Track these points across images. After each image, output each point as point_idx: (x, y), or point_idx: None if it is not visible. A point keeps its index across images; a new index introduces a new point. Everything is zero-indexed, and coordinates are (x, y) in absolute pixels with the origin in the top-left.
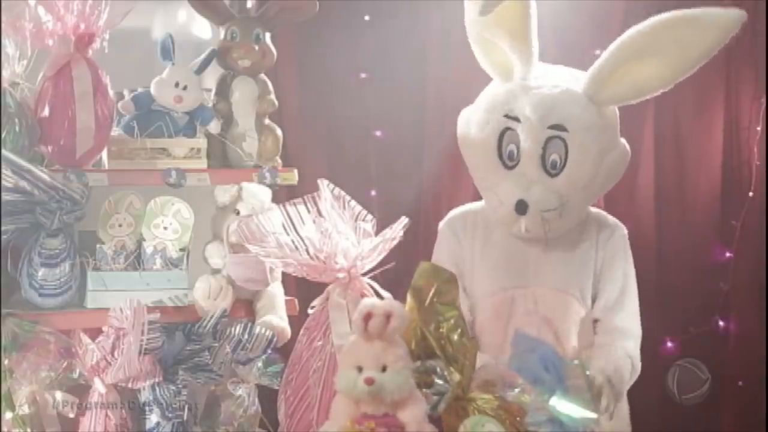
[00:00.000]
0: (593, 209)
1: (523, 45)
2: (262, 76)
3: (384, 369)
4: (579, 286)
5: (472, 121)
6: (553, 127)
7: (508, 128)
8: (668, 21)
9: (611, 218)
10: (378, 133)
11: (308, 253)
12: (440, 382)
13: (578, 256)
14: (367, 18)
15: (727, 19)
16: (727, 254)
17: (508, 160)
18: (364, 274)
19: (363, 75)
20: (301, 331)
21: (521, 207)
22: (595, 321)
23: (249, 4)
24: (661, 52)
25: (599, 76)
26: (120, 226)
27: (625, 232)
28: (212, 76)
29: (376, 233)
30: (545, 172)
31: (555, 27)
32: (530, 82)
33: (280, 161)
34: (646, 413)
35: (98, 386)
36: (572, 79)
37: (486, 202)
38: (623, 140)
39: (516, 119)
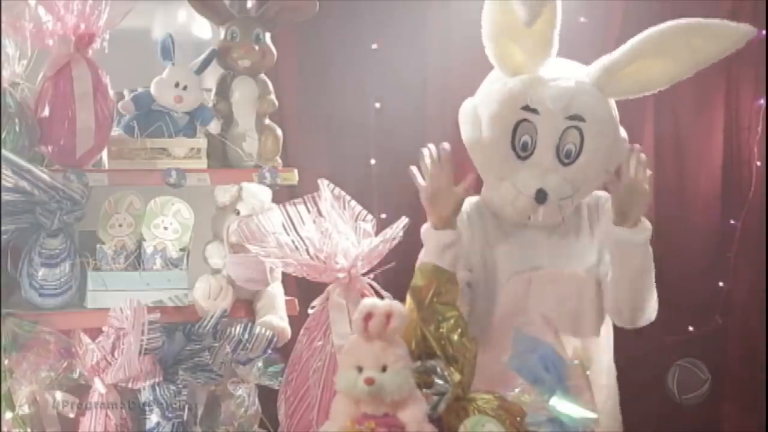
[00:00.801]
0: None
1: (546, 45)
2: (262, 76)
3: (384, 369)
4: (589, 263)
5: (482, 114)
6: (571, 117)
7: (523, 119)
8: (687, 26)
9: (598, 191)
10: (378, 133)
11: (308, 253)
12: (440, 382)
13: (585, 232)
14: (367, 18)
15: (738, 33)
16: (727, 254)
17: (521, 151)
18: (364, 274)
19: (363, 75)
20: (301, 331)
21: (541, 196)
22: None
23: (249, 4)
24: (671, 54)
25: (613, 69)
26: (120, 226)
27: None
28: (212, 76)
29: (376, 233)
30: (559, 161)
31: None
32: (544, 74)
33: (280, 161)
34: (646, 413)
35: (98, 386)
36: (579, 72)
37: (499, 193)
38: (622, 128)
39: (534, 111)
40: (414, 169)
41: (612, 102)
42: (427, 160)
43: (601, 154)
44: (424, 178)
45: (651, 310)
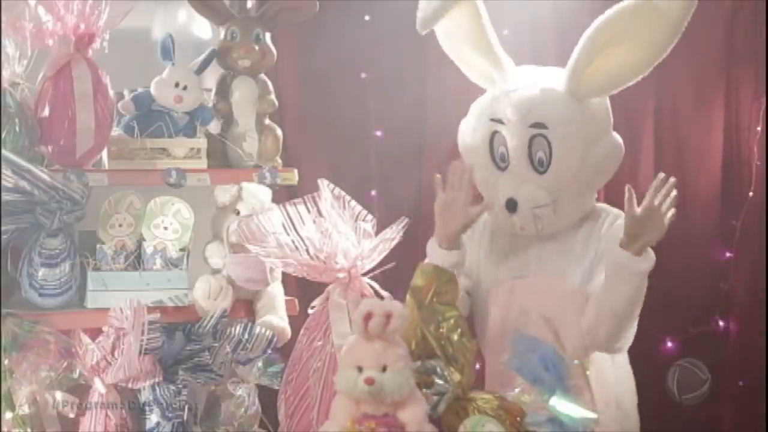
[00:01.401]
0: (598, 204)
1: (488, 53)
2: (262, 76)
3: (384, 369)
4: (577, 276)
5: (467, 129)
6: (534, 125)
7: (495, 131)
8: (629, 8)
9: (615, 209)
10: (378, 133)
11: (308, 253)
12: (440, 382)
13: (577, 246)
14: (367, 18)
15: (681, 3)
16: (727, 254)
17: (501, 162)
18: (364, 274)
19: (363, 75)
20: (301, 331)
21: (511, 205)
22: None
23: (249, 4)
24: (629, 40)
25: (576, 70)
26: (120, 226)
27: None
28: (212, 76)
29: (376, 233)
30: (534, 170)
31: (555, 27)
32: (509, 85)
33: (280, 161)
34: (646, 413)
35: (98, 386)
36: (553, 78)
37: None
38: (615, 134)
39: (500, 121)
40: (438, 176)
41: (591, 104)
42: (452, 172)
43: (573, 158)
44: (444, 189)
45: (625, 341)
